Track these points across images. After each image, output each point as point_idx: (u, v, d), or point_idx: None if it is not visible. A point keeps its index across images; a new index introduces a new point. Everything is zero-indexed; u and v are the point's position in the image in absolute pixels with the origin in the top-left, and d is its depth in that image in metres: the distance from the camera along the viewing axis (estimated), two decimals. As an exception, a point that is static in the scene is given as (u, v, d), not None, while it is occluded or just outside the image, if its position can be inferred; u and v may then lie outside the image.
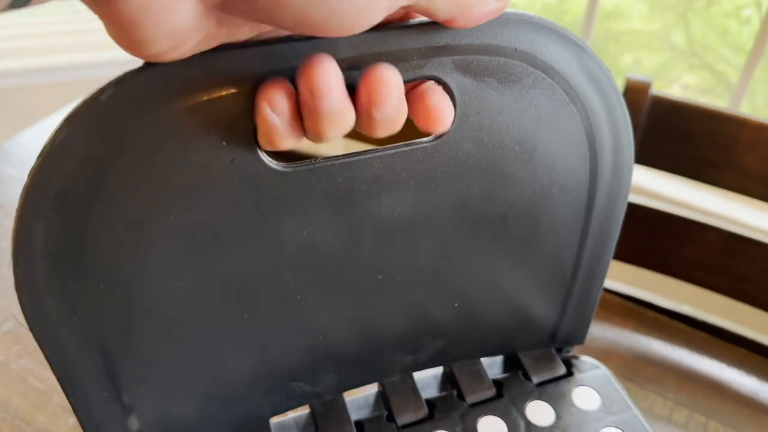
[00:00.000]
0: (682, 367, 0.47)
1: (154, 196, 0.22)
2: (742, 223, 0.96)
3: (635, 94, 0.53)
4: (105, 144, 0.21)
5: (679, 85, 1.40)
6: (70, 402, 0.25)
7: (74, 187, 0.21)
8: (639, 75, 0.54)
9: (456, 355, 0.33)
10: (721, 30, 1.29)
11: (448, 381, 0.34)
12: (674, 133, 0.54)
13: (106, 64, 1.46)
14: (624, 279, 0.62)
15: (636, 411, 0.32)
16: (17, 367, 0.42)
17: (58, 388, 0.41)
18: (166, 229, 0.23)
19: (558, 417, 0.32)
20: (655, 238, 0.58)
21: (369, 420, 0.31)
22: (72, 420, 0.39)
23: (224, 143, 0.22)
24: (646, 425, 0.32)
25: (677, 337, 0.50)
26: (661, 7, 1.35)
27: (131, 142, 0.21)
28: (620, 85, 0.45)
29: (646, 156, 0.55)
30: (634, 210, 0.57)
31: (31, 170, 0.21)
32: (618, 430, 0.31)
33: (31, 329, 0.23)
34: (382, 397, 0.33)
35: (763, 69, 1.12)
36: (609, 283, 0.56)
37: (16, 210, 0.21)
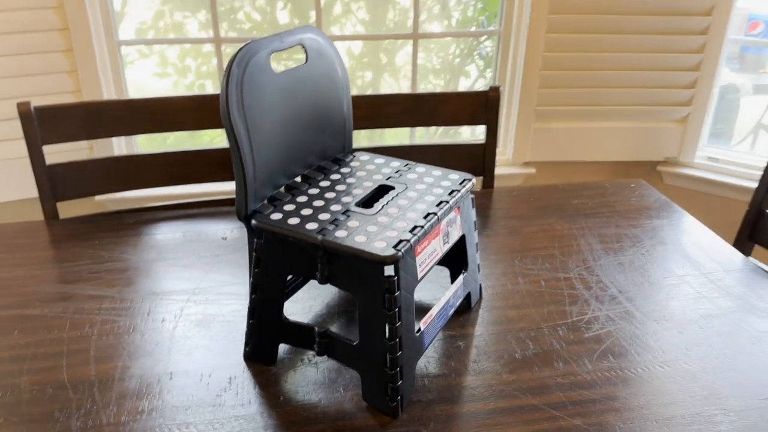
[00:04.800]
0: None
1: (258, 97, 0.70)
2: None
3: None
4: (245, 85, 0.68)
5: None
6: (238, 167, 0.70)
7: (233, 88, 0.68)
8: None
9: (315, 160, 0.83)
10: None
11: (314, 170, 0.84)
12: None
13: None
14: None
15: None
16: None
17: None
18: (262, 106, 0.71)
19: (357, 168, 0.84)
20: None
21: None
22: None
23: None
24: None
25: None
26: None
27: (253, 93, 0.69)
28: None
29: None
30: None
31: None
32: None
33: (229, 127, 0.72)
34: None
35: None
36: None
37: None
